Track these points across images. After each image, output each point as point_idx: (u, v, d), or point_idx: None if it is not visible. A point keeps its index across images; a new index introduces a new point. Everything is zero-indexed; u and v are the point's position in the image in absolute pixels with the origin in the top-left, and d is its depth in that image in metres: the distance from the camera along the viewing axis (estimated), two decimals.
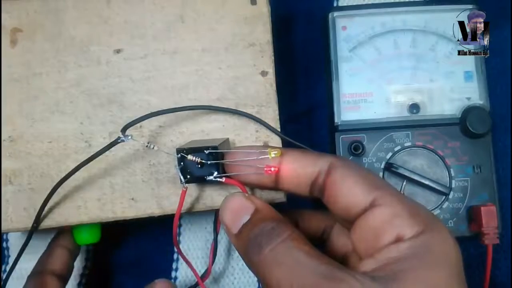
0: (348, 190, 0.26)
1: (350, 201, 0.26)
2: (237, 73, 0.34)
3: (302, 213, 0.32)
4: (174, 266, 0.42)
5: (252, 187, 0.32)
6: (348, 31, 0.41)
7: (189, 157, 0.28)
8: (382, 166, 0.39)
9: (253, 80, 0.34)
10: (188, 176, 0.29)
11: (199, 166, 0.28)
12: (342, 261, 0.29)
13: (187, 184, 0.29)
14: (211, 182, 0.29)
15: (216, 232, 0.36)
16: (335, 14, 0.41)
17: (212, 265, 0.36)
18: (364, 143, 0.39)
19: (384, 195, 0.25)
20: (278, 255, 0.24)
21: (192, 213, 0.33)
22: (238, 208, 0.27)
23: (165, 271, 0.42)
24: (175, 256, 0.43)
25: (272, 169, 0.27)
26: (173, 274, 0.42)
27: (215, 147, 0.28)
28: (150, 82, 0.34)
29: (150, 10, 0.34)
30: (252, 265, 0.25)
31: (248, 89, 0.34)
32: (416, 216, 0.24)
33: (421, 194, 0.38)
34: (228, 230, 0.27)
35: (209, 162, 0.28)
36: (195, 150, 0.28)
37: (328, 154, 0.28)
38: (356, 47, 0.41)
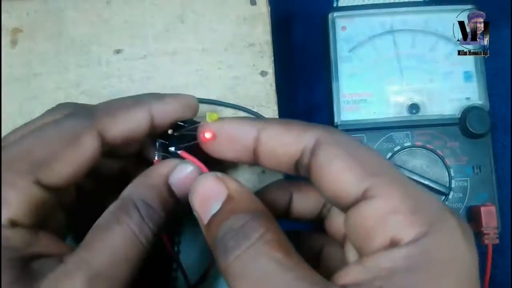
0: (336, 176, 0.21)
1: (338, 189, 0.21)
2: (237, 73, 0.34)
3: (298, 185, 0.27)
4: (174, 266, 0.42)
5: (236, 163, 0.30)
6: (348, 31, 0.41)
7: (169, 131, 0.27)
8: None
9: (252, 80, 0.34)
10: (160, 148, 0.27)
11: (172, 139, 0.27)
12: (342, 242, 0.25)
13: (157, 158, 0.27)
14: (175, 155, 0.27)
15: None
16: (335, 14, 0.41)
17: (212, 265, 0.36)
18: (363, 143, 0.39)
19: (381, 184, 0.20)
20: (244, 265, 0.20)
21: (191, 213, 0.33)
22: (208, 193, 0.23)
23: (165, 271, 0.42)
24: None
25: (207, 135, 0.25)
26: (173, 274, 0.42)
27: (185, 121, 0.27)
28: (150, 82, 0.34)
29: (150, 10, 0.34)
30: (220, 270, 0.21)
31: (247, 89, 0.34)
32: (419, 212, 0.19)
33: None
34: (199, 219, 0.23)
35: (175, 134, 0.27)
36: (177, 126, 0.27)
37: (316, 126, 0.23)
38: (356, 47, 0.41)
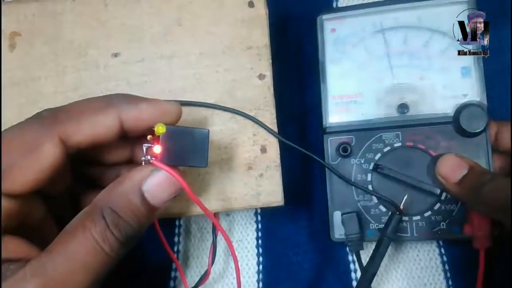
0: None
1: None
2: (235, 76, 0.34)
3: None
4: (173, 266, 0.43)
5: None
6: (338, 33, 0.40)
7: (148, 137, 0.27)
8: (371, 167, 0.38)
9: (250, 83, 0.34)
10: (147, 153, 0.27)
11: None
12: None
13: (144, 163, 0.27)
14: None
15: (215, 233, 0.36)
16: (324, 17, 0.40)
17: (212, 265, 0.37)
18: (352, 144, 0.39)
19: None
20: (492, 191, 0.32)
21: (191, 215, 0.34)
22: (455, 164, 0.35)
23: (165, 270, 0.43)
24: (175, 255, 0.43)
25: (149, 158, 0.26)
26: (172, 274, 0.43)
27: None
28: (148, 85, 0.34)
29: (147, 13, 0.34)
30: (475, 201, 0.34)
31: (245, 92, 0.34)
32: None
33: (413, 195, 0.37)
34: (446, 180, 0.35)
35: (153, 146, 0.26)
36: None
37: None
38: (346, 48, 0.40)
